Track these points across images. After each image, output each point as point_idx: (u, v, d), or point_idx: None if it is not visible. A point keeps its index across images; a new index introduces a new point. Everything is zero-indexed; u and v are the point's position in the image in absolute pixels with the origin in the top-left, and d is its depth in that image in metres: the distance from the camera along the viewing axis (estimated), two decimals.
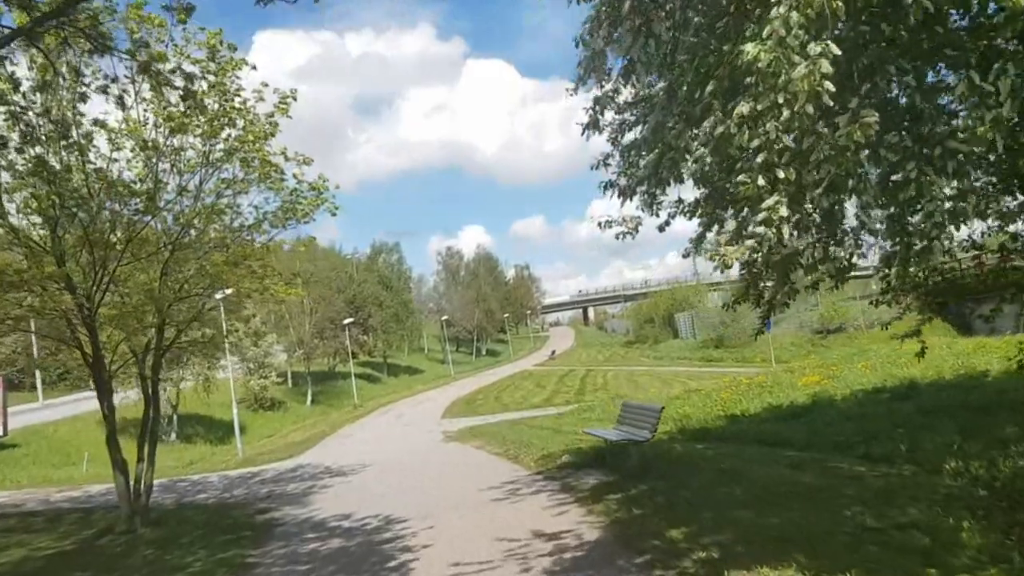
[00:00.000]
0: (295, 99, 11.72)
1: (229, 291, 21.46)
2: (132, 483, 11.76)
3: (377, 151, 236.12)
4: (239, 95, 11.07)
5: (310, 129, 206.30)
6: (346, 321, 46.17)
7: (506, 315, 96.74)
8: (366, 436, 26.23)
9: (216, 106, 10.66)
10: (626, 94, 6.86)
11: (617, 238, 6.85)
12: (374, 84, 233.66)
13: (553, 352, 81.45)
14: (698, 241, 7.54)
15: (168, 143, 10.69)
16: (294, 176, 12.62)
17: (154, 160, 10.72)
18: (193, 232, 11.44)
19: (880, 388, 15.39)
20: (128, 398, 31.66)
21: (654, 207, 6.86)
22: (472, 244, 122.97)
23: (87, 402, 34.06)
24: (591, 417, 21.25)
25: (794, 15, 3.57)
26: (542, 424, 20.67)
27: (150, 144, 10.47)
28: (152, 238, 11.18)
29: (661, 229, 6.97)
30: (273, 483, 15.65)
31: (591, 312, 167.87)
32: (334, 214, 13.53)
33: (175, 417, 32.06)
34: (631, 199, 6.69)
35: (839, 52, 3.61)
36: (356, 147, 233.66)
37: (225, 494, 14.92)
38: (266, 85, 11.62)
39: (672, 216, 6.97)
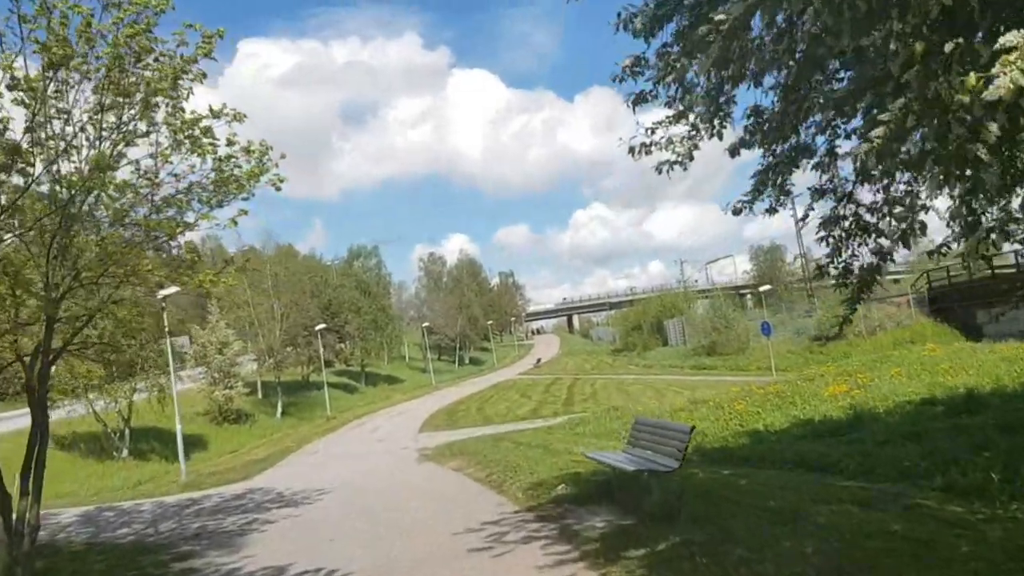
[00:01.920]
0: (221, 37, 9.29)
1: (172, 291, 18.93)
2: (15, 523, 9.22)
3: (362, 160, 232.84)
4: (150, 31, 8.68)
5: (295, 137, 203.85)
6: (318, 327, 43.34)
7: (490, 322, 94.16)
8: (333, 453, 23.61)
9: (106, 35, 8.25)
10: None
11: (659, 171, 4.49)
12: (359, 92, 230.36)
13: (538, 360, 78.99)
14: (762, 184, 5.19)
15: (48, 83, 8.23)
16: (228, 141, 10.26)
17: (34, 104, 8.24)
18: (87, 204, 8.95)
19: (930, 400, 13.09)
20: (75, 411, 28.99)
21: (716, 122, 4.48)
22: (456, 252, 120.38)
23: (17, 419, 31.18)
24: (585, 432, 18.87)
25: None
26: (530, 441, 18.21)
27: (22, 82, 8.00)
28: (30, 207, 8.67)
29: (733, 153, 4.59)
30: (210, 515, 13.09)
31: (576, 320, 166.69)
32: (278, 188, 11.13)
33: (127, 432, 29.28)
34: (687, 111, 4.32)
35: None
36: (341, 155, 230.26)
37: (149, 530, 12.35)
38: (190, 26, 9.29)
39: (751, 136, 4.58)
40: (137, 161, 9.99)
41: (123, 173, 10.10)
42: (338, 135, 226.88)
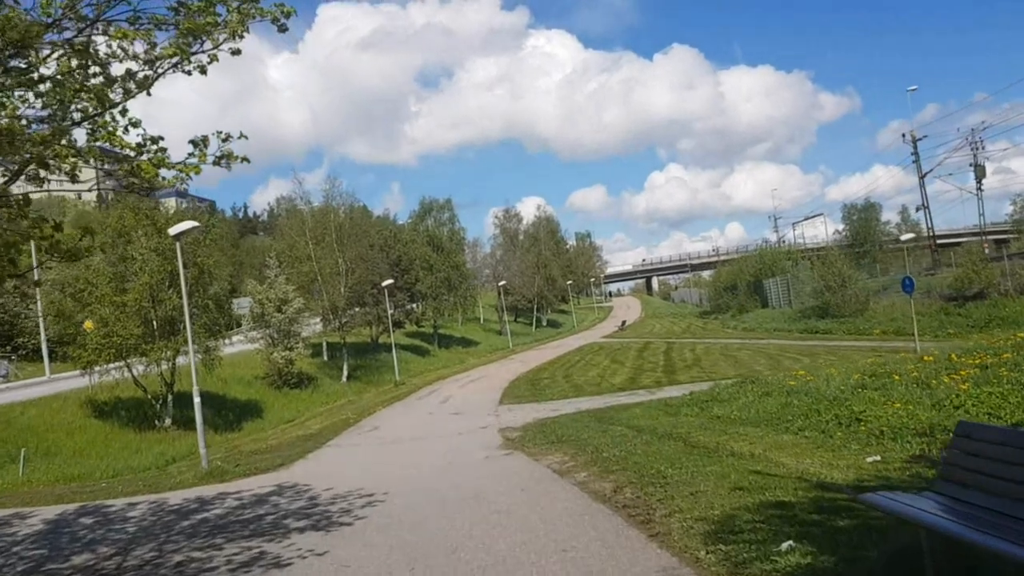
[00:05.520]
0: None
1: (187, 226, 14.84)
2: None
3: (438, 124, 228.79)
4: None
5: (374, 102, 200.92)
6: (385, 282, 39.21)
7: (569, 282, 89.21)
8: (395, 432, 19.36)
9: None
10: None
11: None
12: (437, 55, 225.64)
13: (623, 323, 73.94)
14: None
15: None
16: None
17: None
18: None
19: None
20: (108, 373, 25.73)
21: None
22: (533, 213, 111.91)
23: (75, 380, 28.12)
24: (730, 417, 13.82)
25: None
26: (653, 426, 13.53)
27: None
28: None
29: None
30: (207, 537, 8.91)
31: (655, 282, 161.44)
32: (283, 26, 6.79)
33: (170, 398, 25.87)
34: None
35: None
36: (417, 119, 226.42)
37: (112, 561, 8.21)
38: None
39: None
40: None
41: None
42: (416, 99, 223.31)
